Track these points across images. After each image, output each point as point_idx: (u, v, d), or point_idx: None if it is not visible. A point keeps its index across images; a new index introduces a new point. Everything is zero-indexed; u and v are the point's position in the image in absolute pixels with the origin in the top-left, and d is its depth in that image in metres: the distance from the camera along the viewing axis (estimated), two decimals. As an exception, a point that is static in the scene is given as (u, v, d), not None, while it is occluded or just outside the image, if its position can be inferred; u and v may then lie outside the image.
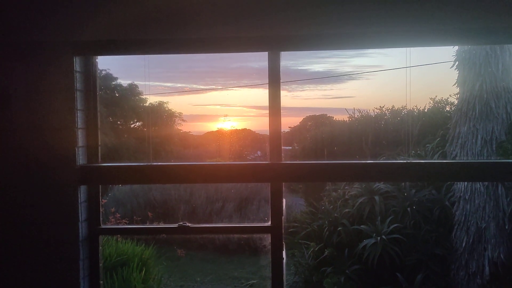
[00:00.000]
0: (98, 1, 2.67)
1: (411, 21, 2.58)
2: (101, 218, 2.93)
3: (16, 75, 2.72)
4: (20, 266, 2.77)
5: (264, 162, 2.81)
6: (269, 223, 2.82)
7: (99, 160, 2.90)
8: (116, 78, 10.92)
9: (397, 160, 6.43)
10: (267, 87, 2.83)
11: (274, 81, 2.78)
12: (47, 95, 2.71)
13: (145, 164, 2.86)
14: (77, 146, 2.76)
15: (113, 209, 6.91)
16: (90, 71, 2.86)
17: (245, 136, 11.03)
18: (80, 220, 2.77)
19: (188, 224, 2.85)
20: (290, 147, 10.30)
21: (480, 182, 5.62)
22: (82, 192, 2.81)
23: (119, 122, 11.13)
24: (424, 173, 2.76)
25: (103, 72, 10.65)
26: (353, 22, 2.61)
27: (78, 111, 2.76)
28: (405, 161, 2.73)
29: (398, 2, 2.56)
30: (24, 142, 2.73)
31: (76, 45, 2.71)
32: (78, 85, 2.77)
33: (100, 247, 2.91)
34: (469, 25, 2.57)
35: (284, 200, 2.85)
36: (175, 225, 2.87)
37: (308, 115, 11.20)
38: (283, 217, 2.81)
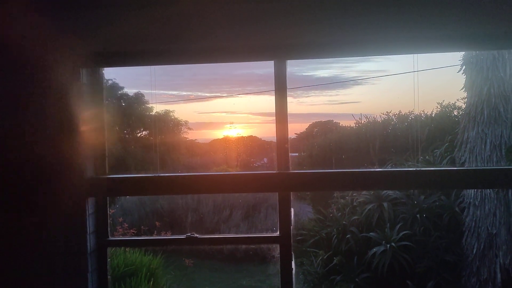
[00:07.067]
0: (104, 13, 2.69)
1: (415, 27, 2.56)
2: (109, 230, 2.93)
3: (22, 87, 2.73)
4: (29, 278, 2.76)
5: (271, 172, 2.79)
6: (277, 233, 2.79)
7: (107, 171, 2.90)
8: (122, 88, 10.98)
9: (406, 167, 6.38)
10: (273, 93, 2.81)
11: (281, 89, 2.77)
12: (54, 106, 2.72)
13: (153, 175, 2.85)
14: (85, 158, 2.76)
15: (120, 219, 6.91)
16: (97, 83, 2.87)
17: (251, 143, 11.01)
18: (88, 232, 2.76)
19: (196, 235, 2.84)
20: (297, 154, 10.26)
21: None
22: (90, 204, 2.80)
23: (125, 131, 11.17)
24: (435, 180, 2.72)
25: (109, 81, 10.70)
26: (358, 29, 2.60)
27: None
28: (414, 169, 2.70)
29: (402, 9, 2.54)
30: (32, 154, 2.74)
31: (82, 57, 2.72)
32: (85, 97, 2.77)
33: (108, 259, 2.90)
34: (473, 30, 2.55)
35: (292, 210, 2.83)
36: (183, 236, 2.85)
37: (314, 121, 11.16)
38: (291, 226, 2.78)
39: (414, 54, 2.84)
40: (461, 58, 6.26)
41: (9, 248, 2.76)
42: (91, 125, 2.84)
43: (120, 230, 6.56)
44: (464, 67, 6.18)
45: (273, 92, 2.81)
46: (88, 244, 2.75)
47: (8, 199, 2.75)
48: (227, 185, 2.84)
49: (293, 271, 2.81)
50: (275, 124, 2.81)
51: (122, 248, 5.92)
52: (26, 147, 2.74)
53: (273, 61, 2.77)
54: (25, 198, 2.74)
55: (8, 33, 2.71)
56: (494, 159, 5.64)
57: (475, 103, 5.95)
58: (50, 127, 2.73)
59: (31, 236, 2.74)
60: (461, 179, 2.75)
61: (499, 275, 5.43)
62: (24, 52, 2.72)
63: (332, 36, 2.63)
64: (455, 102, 8.35)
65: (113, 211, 7.44)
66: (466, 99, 6.35)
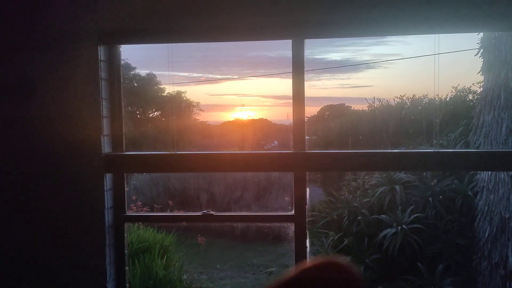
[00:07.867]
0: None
1: (434, 6, 2.51)
2: (126, 205, 2.98)
3: (42, 64, 2.75)
4: (49, 252, 2.83)
5: (288, 152, 2.80)
6: (292, 212, 2.82)
7: (124, 148, 2.93)
8: (134, 68, 10.97)
9: (422, 149, 6.33)
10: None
11: (298, 70, 2.76)
12: (72, 84, 2.75)
13: (169, 153, 2.88)
14: (102, 135, 2.79)
15: (134, 197, 7.01)
16: (114, 60, 2.88)
17: (262, 125, 11.00)
18: (106, 207, 2.82)
19: (212, 212, 2.87)
20: (308, 137, 10.21)
21: (505, 172, 5.50)
22: (108, 180, 2.85)
23: (137, 112, 11.22)
24: (451, 162, 2.70)
25: (122, 61, 10.69)
26: (381, 5, 2.56)
27: (103, 100, 2.79)
28: (431, 150, 2.68)
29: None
30: (51, 130, 2.78)
31: (100, 34, 2.72)
32: (103, 74, 2.79)
33: (126, 234, 2.96)
34: (492, 10, 2.48)
35: (307, 189, 2.84)
36: (199, 213, 2.90)
37: (325, 104, 11.04)
38: (306, 206, 2.80)
39: (433, 37, 2.78)
40: (479, 41, 6.12)
41: (28, 223, 2.83)
42: (108, 102, 2.86)
43: (133, 208, 6.67)
44: (481, 50, 6.05)
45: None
46: (106, 219, 2.81)
47: (28, 174, 2.81)
48: (243, 164, 2.87)
49: (308, 249, 2.84)
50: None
51: (136, 225, 6.03)
52: (44, 123, 2.77)
53: (289, 42, 2.75)
54: (45, 173, 2.79)
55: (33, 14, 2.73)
56: (510, 143, 5.57)
57: (492, 87, 5.83)
58: (68, 104, 2.76)
59: (51, 211, 2.80)
60: (476, 161, 2.73)
61: (510, 259, 5.42)
62: (42, 27, 2.73)
63: (352, 13, 2.58)
64: (470, 87, 8.20)
65: (126, 189, 7.55)
66: (482, 83, 6.24)
